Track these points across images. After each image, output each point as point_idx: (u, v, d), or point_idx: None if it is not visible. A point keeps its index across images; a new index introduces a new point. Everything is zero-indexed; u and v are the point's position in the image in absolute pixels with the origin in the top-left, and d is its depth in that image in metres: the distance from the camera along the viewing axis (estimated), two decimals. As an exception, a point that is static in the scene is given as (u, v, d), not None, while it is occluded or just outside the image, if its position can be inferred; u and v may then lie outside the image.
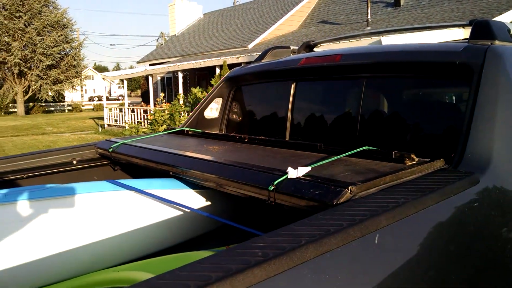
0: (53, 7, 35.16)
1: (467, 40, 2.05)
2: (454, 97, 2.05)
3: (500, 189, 1.56)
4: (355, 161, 1.73)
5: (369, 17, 16.10)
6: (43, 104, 38.58)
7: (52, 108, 40.48)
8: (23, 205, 1.75)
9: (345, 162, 1.71)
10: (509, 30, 2.07)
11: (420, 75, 2.09)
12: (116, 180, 2.05)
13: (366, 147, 1.79)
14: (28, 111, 36.39)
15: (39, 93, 34.70)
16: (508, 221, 1.57)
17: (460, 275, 1.33)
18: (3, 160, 2.36)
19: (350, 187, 1.33)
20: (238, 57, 16.28)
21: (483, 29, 1.99)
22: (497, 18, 11.44)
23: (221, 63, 15.65)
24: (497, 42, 1.91)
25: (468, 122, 1.68)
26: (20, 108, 34.41)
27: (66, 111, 40.92)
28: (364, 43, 8.99)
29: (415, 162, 1.62)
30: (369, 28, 15.60)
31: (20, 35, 32.09)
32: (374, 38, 8.61)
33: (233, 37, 22.52)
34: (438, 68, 1.99)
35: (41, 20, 33.02)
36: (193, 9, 29.42)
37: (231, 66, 13.58)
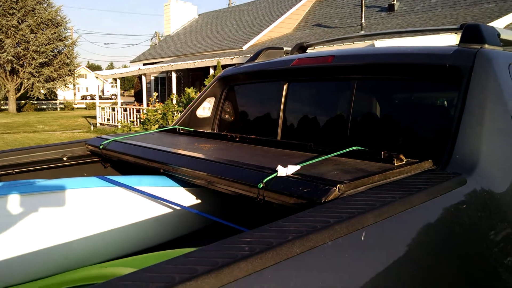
0: (47, 5, 34.83)
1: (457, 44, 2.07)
2: (443, 100, 2.08)
3: (487, 191, 1.58)
4: (345, 160, 1.74)
5: (363, 21, 16.18)
6: (35, 102, 38.26)
7: (44, 106, 40.16)
8: (11, 199, 1.74)
9: (335, 161, 1.73)
10: (499, 35, 2.10)
11: (410, 77, 2.11)
12: (106, 177, 2.05)
13: (355, 147, 1.80)
14: (19, 109, 36.06)
15: (31, 91, 34.37)
16: (495, 222, 1.58)
17: (445, 275, 1.34)
18: (-8, 155, 2.34)
19: (338, 185, 1.34)
20: (232, 58, 16.29)
21: (473, 33, 2.01)
22: (490, 25, 11.54)
23: (215, 63, 15.65)
24: (486, 46, 1.94)
25: (456, 124, 1.70)
26: (11, 106, 34.07)
27: (58, 109, 40.62)
28: (357, 46, 9.04)
29: (403, 162, 1.64)
30: (362, 32, 15.68)
31: (13, 32, 31.78)
32: (368, 42, 8.66)
33: (228, 39, 22.52)
34: (428, 71, 2.01)
35: (35, 18, 32.73)
36: (188, 10, 29.41)
37: (225, 67, 13.57)
